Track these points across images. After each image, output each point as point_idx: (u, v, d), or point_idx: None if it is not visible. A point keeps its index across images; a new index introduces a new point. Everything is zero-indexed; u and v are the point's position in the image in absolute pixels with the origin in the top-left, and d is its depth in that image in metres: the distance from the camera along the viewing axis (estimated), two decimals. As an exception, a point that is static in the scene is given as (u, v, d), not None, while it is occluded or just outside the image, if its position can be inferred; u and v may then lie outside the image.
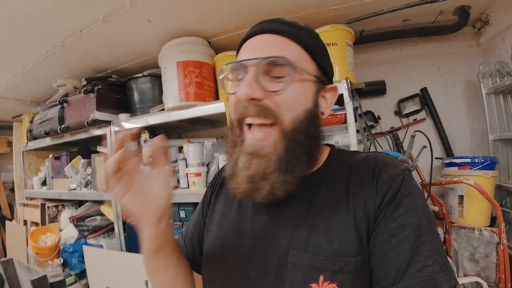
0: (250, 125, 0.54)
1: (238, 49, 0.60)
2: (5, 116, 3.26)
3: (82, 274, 2.12)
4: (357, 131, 1.40)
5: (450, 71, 1.93)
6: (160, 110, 1.78)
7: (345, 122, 1.32)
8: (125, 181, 0.52)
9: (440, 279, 0.42)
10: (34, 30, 1.63)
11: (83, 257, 2.07)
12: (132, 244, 1.90)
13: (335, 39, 1.47)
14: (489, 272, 1.13)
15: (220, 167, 1.17)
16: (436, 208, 1.56)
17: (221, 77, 0.60)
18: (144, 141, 1.83)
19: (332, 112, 1.31)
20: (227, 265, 0.57)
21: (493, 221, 1.41)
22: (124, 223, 1.91)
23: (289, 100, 0.52)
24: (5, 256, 3.00)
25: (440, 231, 1.54)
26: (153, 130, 1.92)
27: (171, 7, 1.46)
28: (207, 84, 1.63)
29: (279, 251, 0.52)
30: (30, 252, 2.27)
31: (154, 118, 1.74)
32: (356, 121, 1.34)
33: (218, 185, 0.72)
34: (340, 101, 1.36)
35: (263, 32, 0.55)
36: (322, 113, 0.59)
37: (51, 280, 1.96)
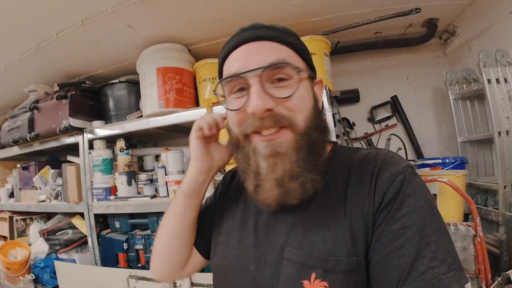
0: (256, 132, 0.53)
1: (222, 60, 0.58)
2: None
3: (55, 291, 2.00)
4: (337, 136, 1.44)
5: (418, 80, 2.06)
6: (138, 117, 1.73)
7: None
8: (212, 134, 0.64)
9: (447, 280, 0.41)
10: (8, 33, 1.56)
11: (55, 272, 1.96)
12: (107, 257, 1.82)
13: (314, 49, 1.52)
14: (468, 264, 1.19)
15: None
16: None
17: (220, 94, 0.59)
18: (120, 150, 1.77)
19: None
20: (231, 258, 0.59)
21: (466, 217, 1.49)
22: (98, 236, 1.83)
23: (299, 102, 0.52)
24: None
25: None
26: (128, 138, 1.86)
27: (153, 13, 1.45)
28: (187, 90, 1.62)
29: (276, 247, 0.53)
30: (0, 267, 2.13)
31: (132, 125, 1.69)
32: (335, 126, 1.38)
33: (226, 185, 0.74)
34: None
35: (250, 40, 0.54)
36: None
37: None
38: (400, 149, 1.61)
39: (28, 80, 2.11)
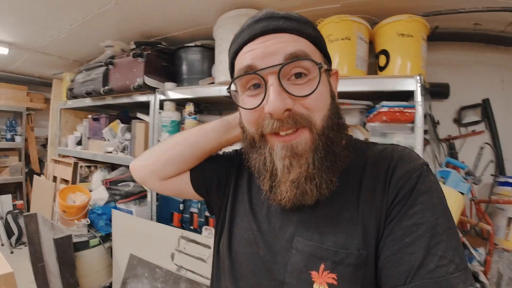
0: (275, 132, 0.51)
1: (234, 53, 0.54)
2: (45, 72, 3.31)
3: (107, 237, 2.14)
4: (425, 132, 1.31)
5: (513, 86, 1.80)
6: (209, 83, 1.72)
7: (413, 122, 1.24)
8: None
9: (454, 280, 0.41)
10: None
11: (110, 220, 2.08)
12: (162, 214, 1.89)
13: (411, 30, 1.36)
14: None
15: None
16: (489, 227, 1.47)
17: (233, 89, 0.56)
18: (188, 114, 1.79)
19: (400, 108, 1.24)
20: (243, 241, 0.60)
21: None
22: (157, 193, 1.89)
23: (318, 100, 0.49)
24: (28, 210, 3.08)
25: (482, 251, 1.47)
26: (197, 103, 1.87)
27: None
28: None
29: (286, 236, 0.54)
30: (57, 210, 2.29)
31: (203, 91, 1.69)
32: (425, 119, 1.25)
33: (238, 166, 0.71)
34: (402, 96, 1.28)
35: (267, 32, 0.49)
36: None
37: (75, 240, 1.97)
38: (492, 161, 1.43)
39: (104, 35, 2.16)
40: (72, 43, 2.39)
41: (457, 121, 1.89)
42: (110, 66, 2.12)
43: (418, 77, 1.21)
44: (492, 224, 1.50)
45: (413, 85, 1.21)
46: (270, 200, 0.55)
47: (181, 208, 1.79)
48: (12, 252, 2.76)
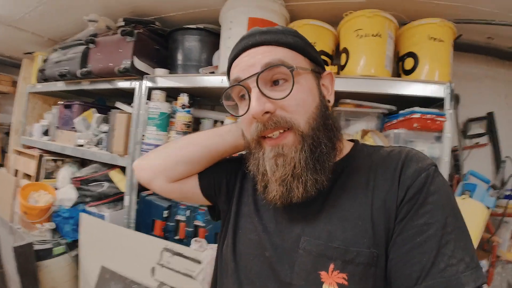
0: (265, 137, 0.55)
1: (228, 68, 0.61)
2: (16, 52, 2.92)
3: (73, 244, 1.82)
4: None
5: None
6: (210, 72, 1.47)
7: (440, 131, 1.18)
8: None
9: (465, 278, 0.41)
10: None
11: (78, 225, 1.77)
12: (142, 221, 1.61)
13: (443, 35, 1.27)
14: None
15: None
16: (500, 240, 1.48)
17: (226, 102, 0.61)
18: (181, 107, 1.53)
19: (433, 116, 1.16)
20: (249, 243, 0.60)
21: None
22: (138, 196, 1.61)
23: (298, 103, 0.53)
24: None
25: (485, 263, 1.48)
26: (191, 96, 1.61)
27: None
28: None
29: (292, 236, 0.54)
30: (17, 210, 1.97)
31: (202, 80, 1.44)
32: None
33: (244, 169, 0.69)
34: (427, 103, 1.23)
35: (247, 48, 0.56)
36: (329, 101, 0.60)
37: (36, 247, 1.66)
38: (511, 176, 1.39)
39: (89, 9, 1.86)
40: (51, 16, 2.04)
41: (464, 132, 1.88)
42: (91, 45, 1.82)
43: (449, 84, 1.15)
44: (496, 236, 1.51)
45: (442, 92, 1.16)
46: (265, 200, 0.56)
47: (165, 215, 1.53)
48: None
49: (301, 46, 0.57)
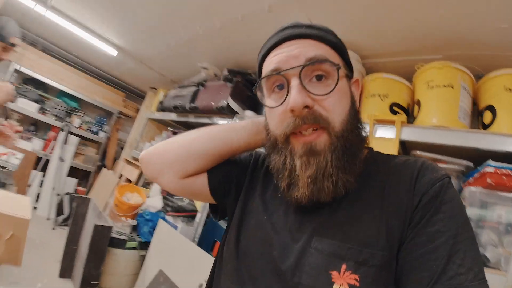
0: (295, 133, 0.53)
1: (262, 59, 0.59)
2: (143, 85, 3.76)
3: (145, 245, 2.11)
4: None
5: None
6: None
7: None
8: None
9: None
10: (196, 5, 1.70)
11: (154, 229, 2.07)
12: (205, 240, 1.81)
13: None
14: None
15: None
16: None
17: (258, 91, 0.59)
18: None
19: (508, 171, 1.05)
20: (255, 240, 0.58)
21: None
22: (207, 216, 1.84)
23: (337, 102, 0.52)
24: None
25: None
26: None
27: (331, 16, 1.42)
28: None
29: (304, 236, 0.52)
30: (110, 202, 2.39)
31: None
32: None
33: (257, 166, 0.70)
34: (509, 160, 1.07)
35: (290, 38, 0.55)
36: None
37: (114, 235, 1.99)
38: None
39: (202, 58, 2.37)
40: (174, 60, 2.66)
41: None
42: (201, 87, 2.28)
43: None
44: None
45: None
46: (286, 198, 0.55)
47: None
48: (54, 229, 2.89)
49: (341, 47, 0.57)
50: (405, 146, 1.33)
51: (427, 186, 0.48)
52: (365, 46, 1.58)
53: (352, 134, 0.53)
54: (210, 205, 0.75)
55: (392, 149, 1.23)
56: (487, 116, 1.23)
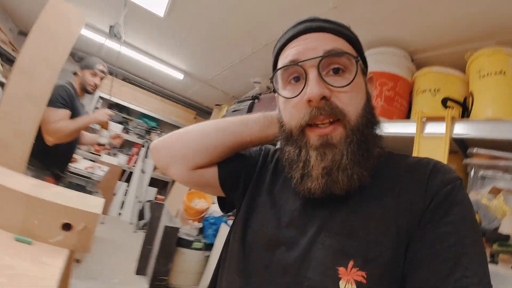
0: (311, 125, 0.53)
1: (278, 51, 0.59)
2: (210, 103, 4.15)
3: (209, 247, 2.30)
4: None
5: None
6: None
7: None
8: None
9: None
10: (245, 28, 1.93)
11: (217, 231, 2.26)
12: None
13: None
14: None
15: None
16: None
17: (276, 82, 0.59)
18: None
19: None
20: (262, 235, 0.58)
21: None
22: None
23: (353, 96, 0.53)
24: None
25: None
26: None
27: (376, 15, 1.42)
28: (398, 101, 1.44)
29: (312, 231, 0.52)
30: (180, 207, 2.67)
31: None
32: None
33: (267, 161, 0.70)
34: None
35: (308, 31, 0.55)
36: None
37: (182, 236, 2.22)
38: None
39: (256, 73, 2.57)
40: (232, 79, 2.96)
41: None
42: (256, 100, 2.46)
43: None
44: None
45: None
46: (299, 189, 0.55)
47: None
48: (135, 232, 3.31)
49: (356, 42, 0.57)
50: (464, 144, 1.22)
51: (439, 187, 0.48)
52: (412, 42, 1.54)
53: (367, 129, 0.53)
54: (218, 198, 0.74)
55: (443, 147, 1.14)
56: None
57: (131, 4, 2.07)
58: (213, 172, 0.67)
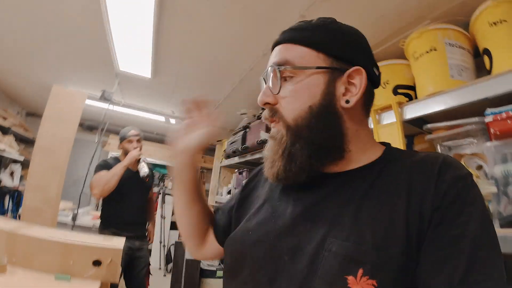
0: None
1: None
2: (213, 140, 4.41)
3: (233, 273, 2.43)
4: None
5: None
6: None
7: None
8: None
9: None
10: (222, 72, 2.22)
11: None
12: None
13: (503, 15, 1.04)
14: None
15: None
16: None
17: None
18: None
19: (509, 112, 0.90)
20: (262, 246, 0.56)
21: None
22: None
23: (289, 100, 0.57)
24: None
25: None
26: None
27: None
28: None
29: (316, 238, 0.50)
30: None
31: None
32: None
33: (255, 178, 0.79)
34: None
35: (275, 45, 0.63)
36: (347, 101, 0.56)
37: (204, 267, 2.37)
38: None
39: (241, 105, 2.88)
40: (224, 113, 3.27)
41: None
42: (247, 129, 2.69)
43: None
44: None
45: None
46: (267, 176, 0.61)
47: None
48: (164, 275, 3.51)
49: (321, 43, 0.58)
50: (421, 124, 1.26)
51: (449, 185, 0.47)
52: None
53: (309, 131, 0.55)
54: None
55: (397, 132, 1.21)
56: (486, 62, 1.12)
57: (122, 73, 2.43)
58: (213, 240, 0.78)
